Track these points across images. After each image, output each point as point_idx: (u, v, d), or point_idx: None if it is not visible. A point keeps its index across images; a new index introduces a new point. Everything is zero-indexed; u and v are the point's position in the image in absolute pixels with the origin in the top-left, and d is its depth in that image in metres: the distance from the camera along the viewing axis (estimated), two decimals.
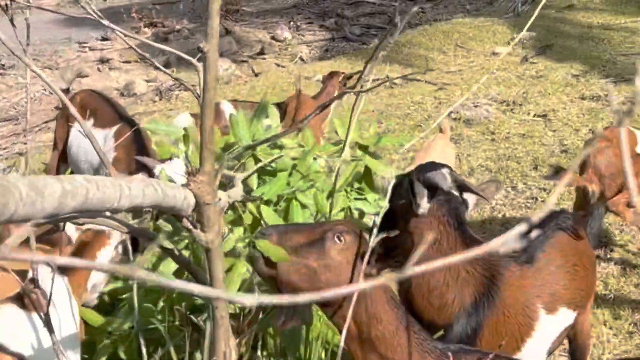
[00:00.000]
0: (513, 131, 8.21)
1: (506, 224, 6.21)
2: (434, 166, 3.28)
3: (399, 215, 3.26)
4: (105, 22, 2.86)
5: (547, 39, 11.84)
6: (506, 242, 0.93)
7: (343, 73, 7.44)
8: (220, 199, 2.51)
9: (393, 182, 3.33)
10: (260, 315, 3.30)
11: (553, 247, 3.38)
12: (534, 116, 8.62)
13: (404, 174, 3.37)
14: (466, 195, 3.27)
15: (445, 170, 3.21)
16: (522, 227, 0.92)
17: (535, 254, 3.34)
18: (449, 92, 9.80)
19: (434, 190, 3.13)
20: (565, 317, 3.34)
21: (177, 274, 3.24)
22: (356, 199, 3.68)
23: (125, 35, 2.92)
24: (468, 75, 10.60)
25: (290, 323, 2.41)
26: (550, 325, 3.30)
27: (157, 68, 2.99)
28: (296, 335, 3.34)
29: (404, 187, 3.21)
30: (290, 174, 3.53)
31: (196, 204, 2.36)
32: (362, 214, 3.66)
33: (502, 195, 6.70)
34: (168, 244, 2.73)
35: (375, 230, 2.84)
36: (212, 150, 2.37)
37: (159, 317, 3.28)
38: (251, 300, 0.92)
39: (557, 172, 4.91)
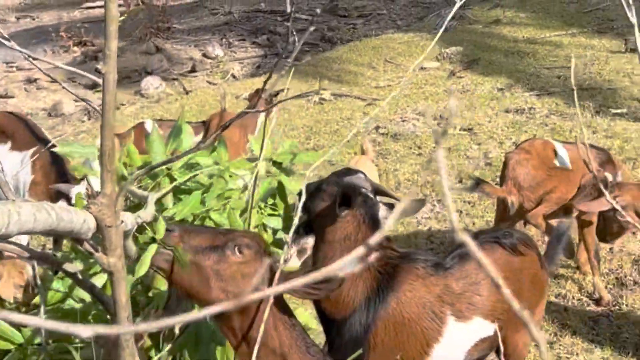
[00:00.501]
0: None
1: (431, 237, 6.27)
2: (350, 171, 3.41)
3: (319, 218, 3.39)
4: (10, 44, 2.81)
5: (474, 53, 12.03)
6: (344, 265, 0.94)
7: (264, 90, 7.41)
8: (122, 221, 2.49)
9: (309, 188, 3.43)
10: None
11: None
12: (460, 130, 8.74)
13: (319, 180, 3.47)
14: (380, 199, 3.43)
15: (361, 174, 3.36)
16: (360, 251, 0.94)
17: (458, 263, 3.41)
18: (378, 108, 9.87)
19: (352, 193, 3.29)
20: (480, 327, 3.36)
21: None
22: (270, 215, 3.67)
23: (29, 56, 2.87)
24: (397, 92, 10.70)
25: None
26: (461, 333, 3.34)
27: (63, 87, 2.96)
28: (212, 355, 3.32)
29: (327, 192, 3.36)
30: (206, 193, 3.52)
31: (97, 226, 2.33)
32: (275, 230, 3.66)
33: (428, 209, 6.77)
34: (73, 268, 2.69)
35: (286, 247, 2.87)
36: (113, 171, 2.35)
37: None
38: (87, 332, 0.91)
39: (478, 184, 4.99)
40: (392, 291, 3.28)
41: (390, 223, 0.98)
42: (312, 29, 2.54)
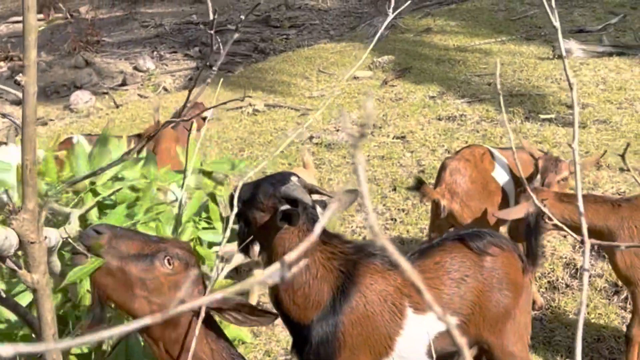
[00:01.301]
0: (373, 154, 8.34)
1: None
2: (283, 178, 3.36)
3: (261, 229, 3.36)
4: None
5: (406, 62, 12.12)
6: (269, 275, 0.92)
7: (201, 104, 7.37)
8: (46, 237, 2.41)
9: (242, 194, 3.37)
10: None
11: (444, 256, 3.51)
12: (393, 138, 8.78)
13: (252, 184, 3.42)
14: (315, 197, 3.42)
15: (294, 179, 3.33)
16: (279, 264, 0.92)
17: (418, 259, 3.50)
18: (311, 118, 9.87)
19: (293, 211, 3.23)
20: (438, 321, 3.36)
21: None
22: (205, 228, 3.61)
23: None
24: (330, 100, 10.72)
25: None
26: (420, 326, 3.37)
27: None
28: None
29: (265, 204, 3.31)
30: (133, 206, 3.45)
31: (20, 243, 2.26)
32: (211, 244, 3.61)
33: (362, 218, 6.78)
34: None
35: (217, 262, 2.82)
36: (35, 186, 2.28)
37: None
38: (7, 350, 0.86)
39: (420, 183, 5.01)
40: (354, 287, 3.34)
41: (325, 220, 0.96)
42: (236, 36, 2.51)
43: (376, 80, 11.44)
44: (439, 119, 9.25)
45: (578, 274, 5.44)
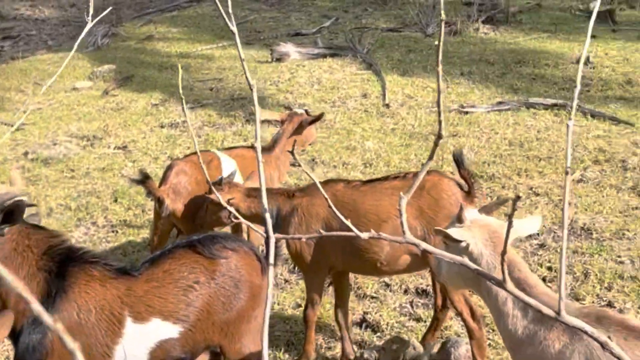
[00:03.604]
0: (93, 166, 8.08)
1: None
2: None
3: None
4: None
5: (128, 70, 11.89)
6: None
7: None
8: None
9: None
10: None
11: (172, 263, 3.46)
12: (114, 149, 8.58)
13: None
14: None
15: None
16: None
17: (148, 268, 3.45)
18: (27, 133, 9.36)
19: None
20: (159, 329, 3.37)
21: None
22: None
23: None
24: (48, 113, 10.24)
25: None
26: (140, 334, 3.34)
27: None
28: None
29: None
30: None
31: None
32: None
33: (82, 232, 6.54)
34: None
35: None
36: None
37: None
38: None
39: (146, 178, 4.94)
40: (65, 294, 3.25)
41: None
42: None
43: (96, 91, 11.12)
44: (162, 127, 9.16)
45: (296, 269, 5.55)
